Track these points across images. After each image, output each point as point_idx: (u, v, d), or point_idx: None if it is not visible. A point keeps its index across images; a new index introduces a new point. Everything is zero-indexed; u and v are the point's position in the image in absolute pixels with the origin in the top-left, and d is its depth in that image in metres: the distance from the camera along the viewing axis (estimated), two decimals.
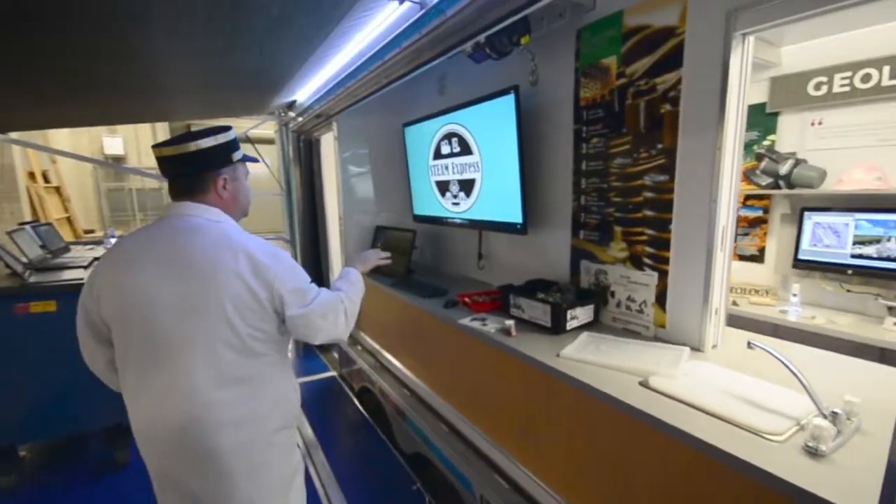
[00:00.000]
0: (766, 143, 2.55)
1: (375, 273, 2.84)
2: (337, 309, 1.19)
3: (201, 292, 1.03)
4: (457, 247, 2.69)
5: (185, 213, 1.10)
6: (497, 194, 2.07)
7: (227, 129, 1.14)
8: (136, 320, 1.03)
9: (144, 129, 7.57)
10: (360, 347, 3.03)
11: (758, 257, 2.66)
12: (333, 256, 4.01)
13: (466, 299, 1.97)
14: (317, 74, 2.58)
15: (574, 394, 1.30)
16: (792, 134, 2.48)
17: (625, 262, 1.62)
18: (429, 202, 2.65)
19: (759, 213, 2.62)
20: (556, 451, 1.42)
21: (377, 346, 2.82)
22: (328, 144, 3.56)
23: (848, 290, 2.25)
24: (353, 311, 1.25)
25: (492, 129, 1.99)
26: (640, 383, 1.19)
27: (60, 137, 6.19)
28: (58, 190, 5.68)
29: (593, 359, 1.33)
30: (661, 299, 1.50)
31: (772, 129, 2.54)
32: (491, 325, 1.69)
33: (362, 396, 2.96)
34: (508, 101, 1.83)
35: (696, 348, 1.40)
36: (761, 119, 2.54)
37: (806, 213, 2.32)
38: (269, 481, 1.13)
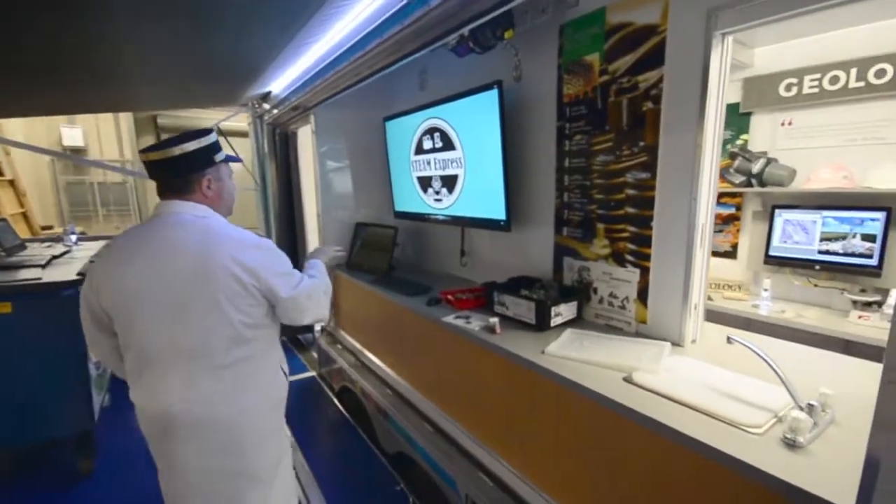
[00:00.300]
0: (738, 142, 2.62)
1: (356, 270, 2.80)
2: (318, 291, 1.30)
3: (192, 283, 1.10)
4: (439, 244, 2.67)
5: (173, 210, 1.17)
6: (480, 191, 2.06)
7: (208, 132, 1.21)
8: (133, 311, 1.11)
9: (106, 118, 7.21)
10: (339, 346, 2.98)
11: (731, 253, 2.74)
12: None
13: (450, 297, 1.96)
14: (294, 64, 2.50)
15: (559, 390, 1.30)
16: (763, 133, 2.56)
17: (607, 258, 1.63)
18: (410, 198, 2.61)
19: (732, 211, 2.70)
20: (542, 447, 1.42)
21: (357, 345, 2.77)
22: (305, 138, 3.47)
23: (815, 285, 2.34)
24: (329, 293, 1.37)
25: (475, 124, 1.97)
26: (624, 379, 1.20)
27: (13, 127, 5.83)
28: (12, 183, 5.34)
29: (578, 355, 1.34)
30: (642, 295, 1.52)
31: (744, 129, 2.62)
32: (475, 323, 1.68)
33: (342, 396, 2.91)
34: (492, 96, 1.82)
35: (677, 343, 1.43)
36: (734, 119, 2.61)
37: (777, 211, 2.40)
38: (258, 460, 1.23)
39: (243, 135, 4.23)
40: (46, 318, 2.08)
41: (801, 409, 0.97)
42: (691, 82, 1.30)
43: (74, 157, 6.85)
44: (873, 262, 2.08)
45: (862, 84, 2.15)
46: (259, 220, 4.19)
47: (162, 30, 1.82)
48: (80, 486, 2.21)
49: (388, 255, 2.63)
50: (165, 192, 1.19)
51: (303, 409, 2.92)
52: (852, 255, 2.14)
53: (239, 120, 4.38)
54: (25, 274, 2.22)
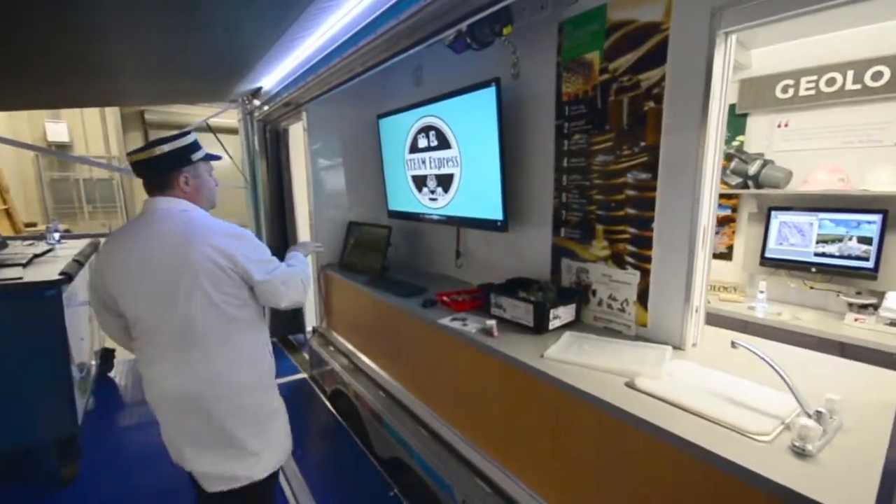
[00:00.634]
0: (735, 143, 2.61)
1: (349, 270, 2.75)
2: (295, 278, 1.40)
3: (177, 269, 1.23)
4: (434, 244, 2.63)
5: (158, 206, 1.30)
6: (477, 190, 2.02)
7: (186, 133, 1.35)
8: (132, 295, 1.27)
9: (92, 114, 7.05)
10: (332, 348, 2.92)
11: (726, 255, 2.73)
12: None
13: (445, 298, 1.92)
14: (285, 59, 2.44)
15: (559, 395, 1.27)
16: (760, 135, 2.56)
17: (606, 260, 1.60)
18: (404, 197, 2.57)
19: (728, 212, 2.69)
20: (540, 452, 1.39)
21: (350, 347, 2.72)
22: (297, 135, 3.41)
23: (811, 287, 2.34)
24: (307, 281, 1.46)
25: (472, 122, 1.94)
26: (626, 384, 1.17)
27: None
28: None
29: (578, 359, 1.31)
30: (642, 298, 1.50)
31: (741, 130, 2.61)
32: (472, 326, 1.64)
33: (335, 399, 2.85)
34: (489, 93, 1.78)
35: (678, 347, 1.40)
36: (731, 120, 2.60)
37: (773, 213, 2.39)
38: (250, 419, 1.37)
39: (233, 131, 4.15)
40: (28, 319, 2.00)
41: (809, 416, 0.94)
42: (694, 82, 1.28)
43: (58, 152, 6.69)
44: (869, 264, 2.08)
45: (859, 86, 2.15)
46: (249, 219, 4.11)
47: (150, 22, 1.75)
48: (62, 493, 2.13)
49: (381, 255, 2.58)
50: (150, 190, 1.33)
51: (294, 412, 2.83)
52: (848, 257, 2.14)
53: (229, 116, 4.30)
54: (6, 273, 2.13)
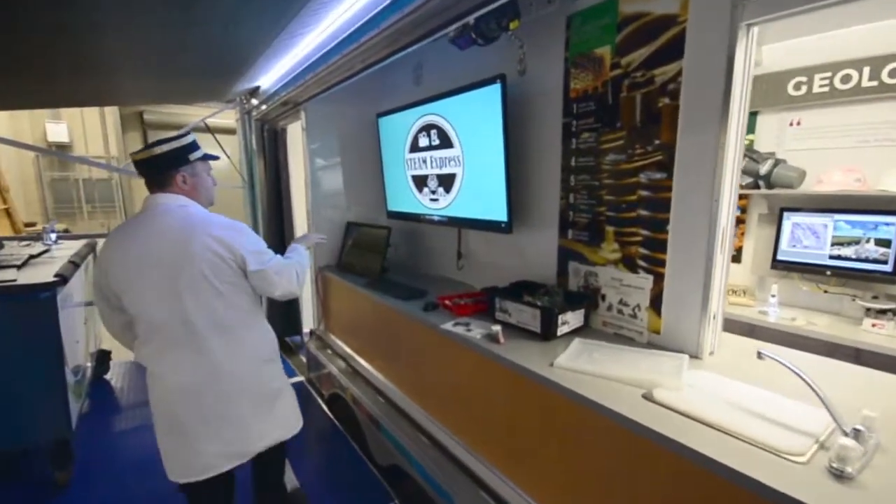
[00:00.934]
0: (744, 142, 2.54)
1: (347, 271, 2.68)
2: (289, 269, 1.49)
3: (179, 261, 1.31)
4: (434, 245, 2.56)
5: (158, 202, 1.38)
6: (480, 190, 1.95)
7: (185, 135, 1.43)
8: (136, 289, 1.33)
9: (92, 114, 7.00)
10: (329, 351, 2.85)
11: (735, 257, 2.66)
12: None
13: (447, 302, 1.85)
14: (284, 57, 2.37)
15: (570, 406, 1.19)
16: (770, 134, 2.49)
17: (617, 263, 1.53)
18: (404, 198, 2.50)
19: (737, 213, 2.61)
20: (548, 465, 1.32)
21: (348, 350, 2.65)
22: (295, 134, 3.33)
23: (825, 291, 2.27)
24: (302, 273, 1.55)
25: (475, 120, 1.87)
26: (644, 396, 1.10)
27: None
28: None
29: (590, 368, 1.24)
30: (655, 303, 1.43)
31: (751, 129, 2.54)
32: (476, 331, 1.57)
33: (332, 403, 2.78)
34: (494, 90, 1.71)
35: (694, 355, 1.33)
36: None
37: (785, 214, 2.32)
38: (257, 398, 1.47)
39: (231, 132, 4.08)
40: (21, 321, 1.94)
41: (846, 434, 0.87)
42: (714, 77, 1.21)
43: (58, 153, 6.63)
44: (888, 267, 2.01)
45: (875, 83, 2.08)
46: (246, 219, 4.04)
47: (148, 19, 1.70)
48: (55, 498, 2.06)
49: (380, 256, 2.51)
50: (151, 187, 1.41)
51: None
52: (866, 260, 2.07)
53: (227, 116, 4.23)
54: (0, 275, 2.07)
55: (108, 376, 3.32)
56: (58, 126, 6.85)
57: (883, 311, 2.01)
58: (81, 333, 2.60)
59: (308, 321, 3.48)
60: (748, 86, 1.24)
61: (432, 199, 2.27)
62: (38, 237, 3.23)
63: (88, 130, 7.20)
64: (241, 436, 1.44)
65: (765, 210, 2.52)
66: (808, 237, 2.25)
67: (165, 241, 1.31)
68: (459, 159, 2.01)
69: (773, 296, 2.32)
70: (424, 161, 2.25)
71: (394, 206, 2.65)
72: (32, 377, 2.00)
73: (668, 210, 1.36)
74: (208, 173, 1.49)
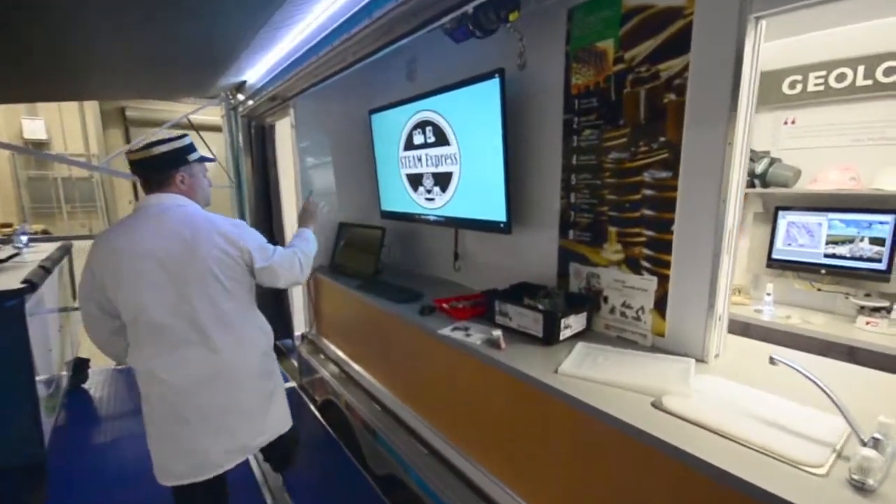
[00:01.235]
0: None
1: (340, 273, 2.60)
2: (293, 259, 1.54)
3: (185, 259, 1.32)
4: (430, 246, 2.50)
5: (156, 202, 1.38)
6: (477, 190, 1.90)
7: (183, 136, 1.44)
8: (136, 289, 1.30)
9: (71, 110, 6.77)
10: (322, 356, 2.78)
11: None
12: None
13: (445, 305, 1.79)
14: (271, 50, 2.29)
15: (576, 415, 1.15)
16: (764, 132, 2.48)
17: (620, 264, 1.49)
18: (399, 197, 2.43)
19: None
20: (553, 477, 1.27)
21: (342, 355, 2.58)
22: (284, 131, 3.24)
23: (818, 289, 2.27)
24: (306, 261, 1.60)
25: (473, 117, 1.81)
26: (653, 404, 1.06)
27: None
28: None
29: (596, 375, 1.19)
30: (660, 305, 1.39)
31: None
32: (476, 336, 1.52)
33: (326, 410, 2.71)
34: (493, 86, 1.66)
35: (700, 359, 1.30)
36: None
37: (780, 212, 2.32)
38: (258, 390, 1.51)
39: (217, 129, 3.97)
40: None
41: (864, 443, 0.84)
42: (722, 72, 1.17)
43: (34, 151, 6.40)
44: (882, 266, 2.01)
45: (870, 82, 2.08)
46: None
47: (126, 10, 1.60)
48: None
49: (374, 257, 2.45)
50: (148, 188, 1.41)
51: None
52: (860, 258, 2.07)
53: (213, 113, 4.11)
54: None
55: (86, 385, 3.19)
56: (34, 123, 6.61)
57: (877, 309, 2.01)
58: (55, 342, 2.47)
59: (300, 324, 3.40)
60: (756, 82, 1.20)
61: (428, 199, 2.21)
62: (7, 240, 3.08)
63: (67, 127, 6.97)
64: (245, 429, 1.47)
65: (760, 209, 2.51)
66: (803, 236, 2.25)
67: (169, 240, 1.31)
68: (456, 157, 1.95)
69: (769, 294, 2.32)
70: (419, 159, 2.18)
71: (388, 205, 2.58)
72: None
73: (673, 210, 1.32)
74: (204, 174, 1.51)
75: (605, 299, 1.54)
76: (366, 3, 1.54)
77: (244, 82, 3.08)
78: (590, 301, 1.55)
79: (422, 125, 2.10)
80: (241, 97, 3.28)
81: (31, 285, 1.92)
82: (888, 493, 0.77)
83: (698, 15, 1.20)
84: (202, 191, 1.49)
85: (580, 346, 1.40)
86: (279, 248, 1.54)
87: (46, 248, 2.85)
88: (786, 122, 2.40)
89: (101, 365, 3.39)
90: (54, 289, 2.50)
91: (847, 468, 0.82)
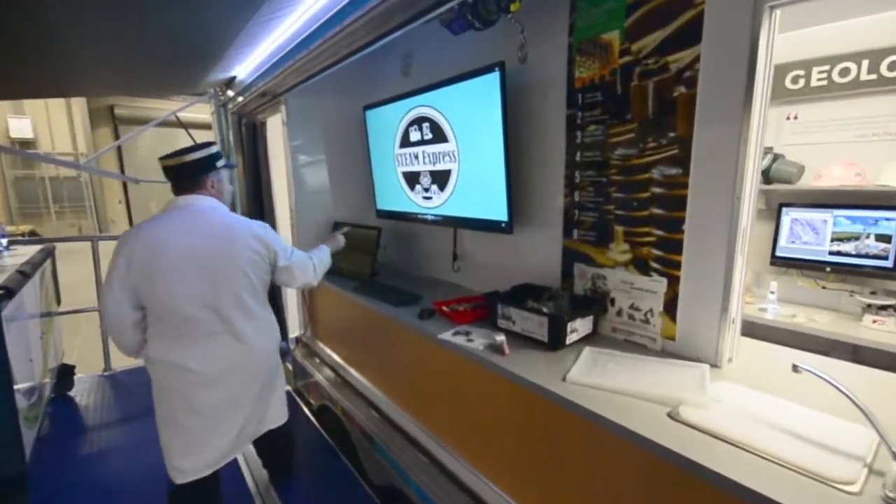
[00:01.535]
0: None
1: (334, 274, 2.52)
2: (307, 262, 1.77)
3: (220, 256, 1.47)
4: (428, 246, 2.43)
5: (189, 203, 1.51)
6: (477, 188, 1.83)
7: (211, 144, 1.61)
8: (170, 282, 1.41)
9: (58, 108, 6.61)
10: (317, 360, 2.70)
11: None
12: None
13: (445, 308, 1.73)
14: (261, 44, 2.20)
15: (586, 426, 1.09)
16: (767, 128, 2.43)
17: (627, 265, 1.44)
18: (395, 196, 2.36)
19: None
20: (560, 489, 1.22)
21: (337, 359, 2.51)
22: (275, 128, 3.15)
23: (823, 287, 2.23)
24: (320, 267, 1.84)
25: (472, 113, 1.75)
26: (669, 415, 1.01)
27: None
28: None
29: (607, 383, 1.14)
30: (670, 308, 1.34)
31: None
32: (478, 341, 1.46)
33: (321, 415, 2.64)
34: (493, 79, 1.59)
35: (713, 364, 1.25)
36: None
37: (784, 209, 2.27)
38: (269, 377, 1.70)
39: (206, 126, 3.86)
40: None
41: None
42: (736, 63, 1.11)
43: (19, 151, 6.25)
44: (888, 263, 1.97)
45: (874, 76, 2.04)
46: None
47: (109, 3, 1.52)
48: None
49: (370, 258, 2.37)
50: (181, 190, 1.54)
51: None
52: (866, 256, 2.04)
53: (202, 111, 4.00)
54: None
55: (72, 392, 3.07)
56: (20, 121, 6.45)
57: (883, 307, 1.98)
58: (37, 350, 2.36)
59: (294, 327, 3.32)
60: (770, 74, 1.15)
61: (425, 198, 2.14)
62: None
63: (54, 126, 6.81)
64: (254, 416, 1.64)
65: (762, 206, 2.47)
66: (808, 233, 2.21)
67: (207, 239, 1.45)
68: (454, 154, 1.89)
69: (773, 292, 2.28)
70: (416, 157, 2.11)
71: (383, 204, 2.51)
72: None
73: (683, 208, 1.26)
74: (230, 180, 1.69)
75: (612, 301, 1.49)
76: None
77: (233, 78, 2.98)
78: (596, 303, 1.50)
79: (418, 121, 2.03)
80: (230, 93, 3.18)
81: (8, 292, 1.82)
82: None
83: (710, 4, 1.15)
84: (227, 194, 1.66)
85: (588, 351, 1.34)
86: (296, 249, 1.73)
87: (26, 252, 2.73)
88: (788, 118, 2.36)
89: (87, 371, 3.29)
90: (35, 294, 2.39)
91: (881, 484, 0.77)
